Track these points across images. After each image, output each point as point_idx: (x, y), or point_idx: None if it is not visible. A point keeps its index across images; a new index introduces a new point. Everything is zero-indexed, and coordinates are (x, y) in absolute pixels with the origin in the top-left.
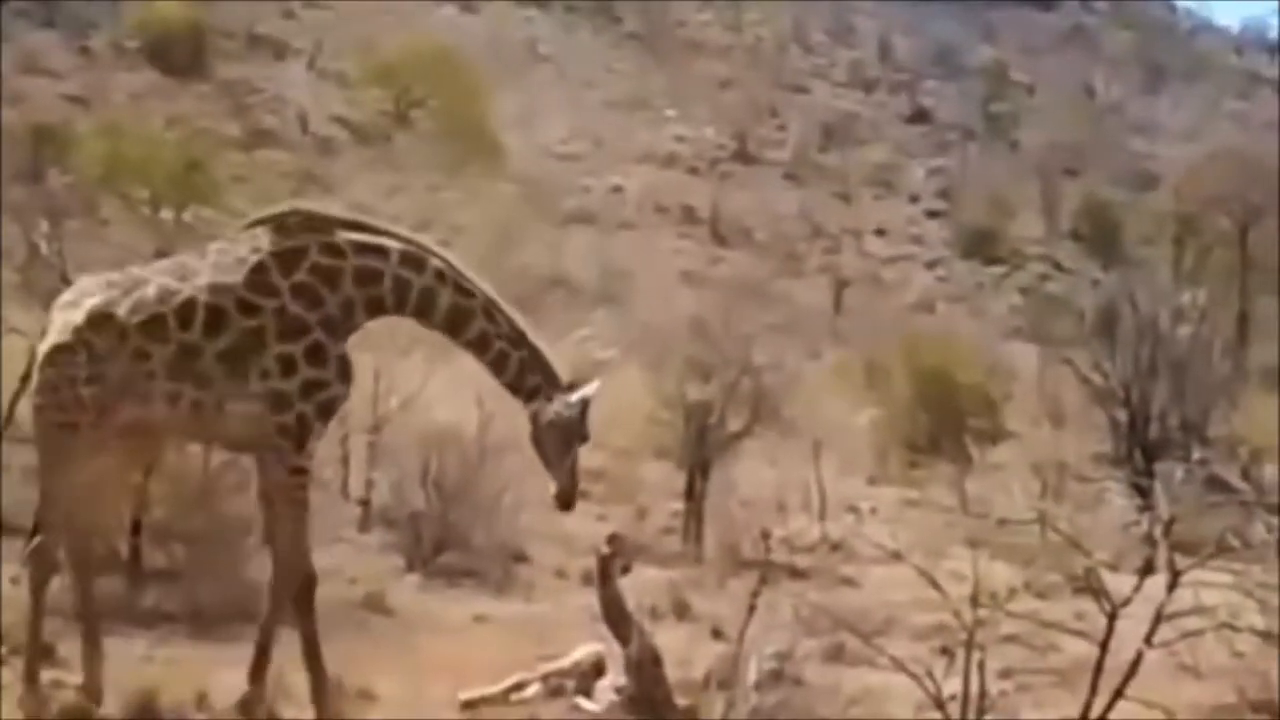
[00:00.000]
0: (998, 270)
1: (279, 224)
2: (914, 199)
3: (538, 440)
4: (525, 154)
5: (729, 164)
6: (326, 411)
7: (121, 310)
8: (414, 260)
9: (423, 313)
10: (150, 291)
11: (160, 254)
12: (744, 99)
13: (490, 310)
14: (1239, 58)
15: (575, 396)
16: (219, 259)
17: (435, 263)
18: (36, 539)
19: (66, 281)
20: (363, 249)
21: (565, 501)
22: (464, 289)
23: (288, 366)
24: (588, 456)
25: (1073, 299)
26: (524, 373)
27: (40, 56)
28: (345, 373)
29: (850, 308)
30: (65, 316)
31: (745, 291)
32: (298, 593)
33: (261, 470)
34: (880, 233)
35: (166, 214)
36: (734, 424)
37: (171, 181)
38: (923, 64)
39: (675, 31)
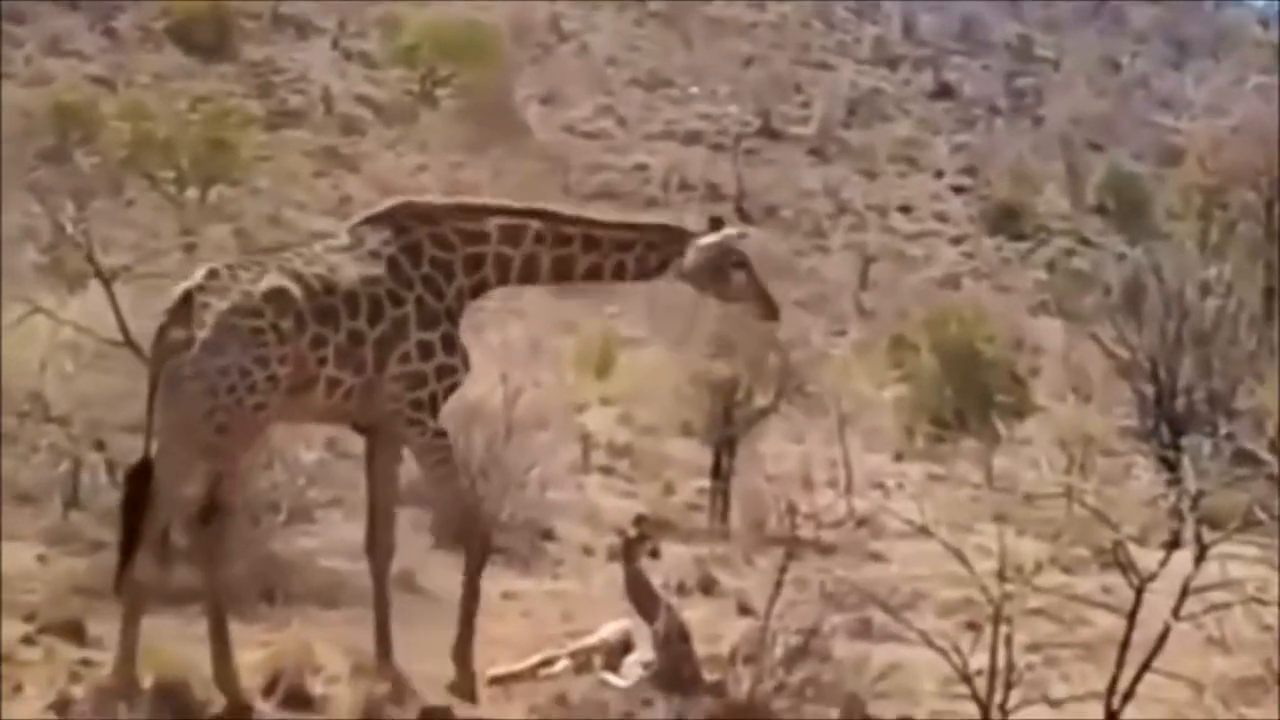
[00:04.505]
0: (1023, 245)
1: (393, 218)
2: (939, 175)
3: (701, 288)
4: (549, 132)
5: (753, 141)
6: (449, 394)
7: (298, 296)
8: (512, 234)
9: (527, 279)
10: (313, 281)
11: (185, 233)
12: (768, 76)
13: (590, 240)
14: (1264, 31)
15: (703, 242)
16: (356, 253)
17: (534, 226)
18: (218, 520)
19: (92, 262)
20: (469, 238)
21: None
22: (562, 237)
23: (426, 351)
24: (612, 432)
25: (1098, 273)
26: (644, 265)
27: (66, 38)
28: (466, 361)
29: (876, 284)
30: (218, 300)
31: (771, 268)
32: (478, 546)
33: (381, 447)
34: (905, 209)
35: (192, 193)
36: (760, 400)
37: (196, 161)
38: (947, 39)
39: (699, 9)
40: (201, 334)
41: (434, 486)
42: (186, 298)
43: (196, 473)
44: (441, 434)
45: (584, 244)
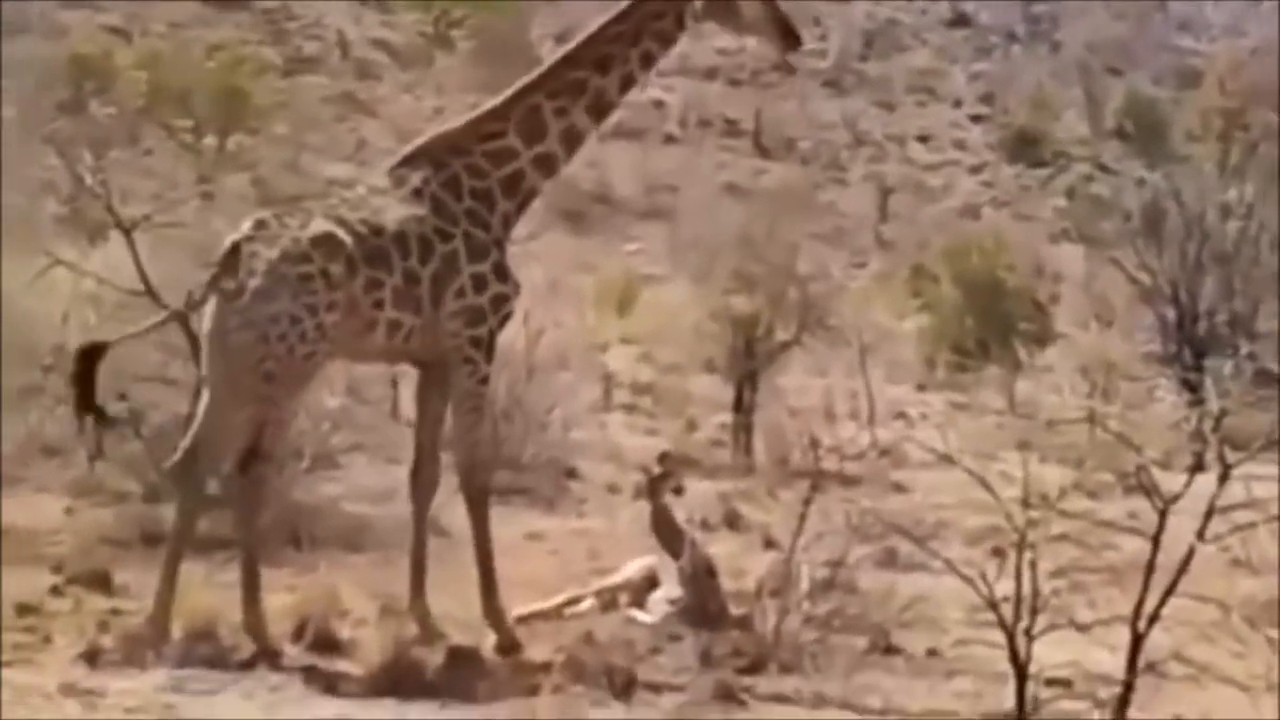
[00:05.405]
0: (1042, 172)
1: (429, 155)
2: (957, 104)
3: (722, 22)
4: None
5: (770, 75)
6: (503, 323)
7: (346, 240)
8: (534, 128)
9: (575, 146)
10: (359, 225)
11: (203, 182)
12: (784, 8)
13: (601, 62)
14: None
15: None
16: (399, 194)
17: (547, 105)
18: (257, 469)
19: (112, 212)
20: (500, 158)
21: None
22: (577, 86)
23: (480, 284)
24: (634, 370)
25: (1118, 199)
26: (663, 36)
27: None
28: (517, 287)
29: (895, 215)
30: (267, 249)
31: (790, 202)
32: (478, 495)
33: (434, 384)
34: (923, 139)
35: (209, 142)
36: (781, 334)
37: (213, 110)
38: None
39: None
40: (253, 283)
41: (457, 431)
42: (235, 249)
43: (241, 422)
44: (484, 380)
45: (598, 69)
